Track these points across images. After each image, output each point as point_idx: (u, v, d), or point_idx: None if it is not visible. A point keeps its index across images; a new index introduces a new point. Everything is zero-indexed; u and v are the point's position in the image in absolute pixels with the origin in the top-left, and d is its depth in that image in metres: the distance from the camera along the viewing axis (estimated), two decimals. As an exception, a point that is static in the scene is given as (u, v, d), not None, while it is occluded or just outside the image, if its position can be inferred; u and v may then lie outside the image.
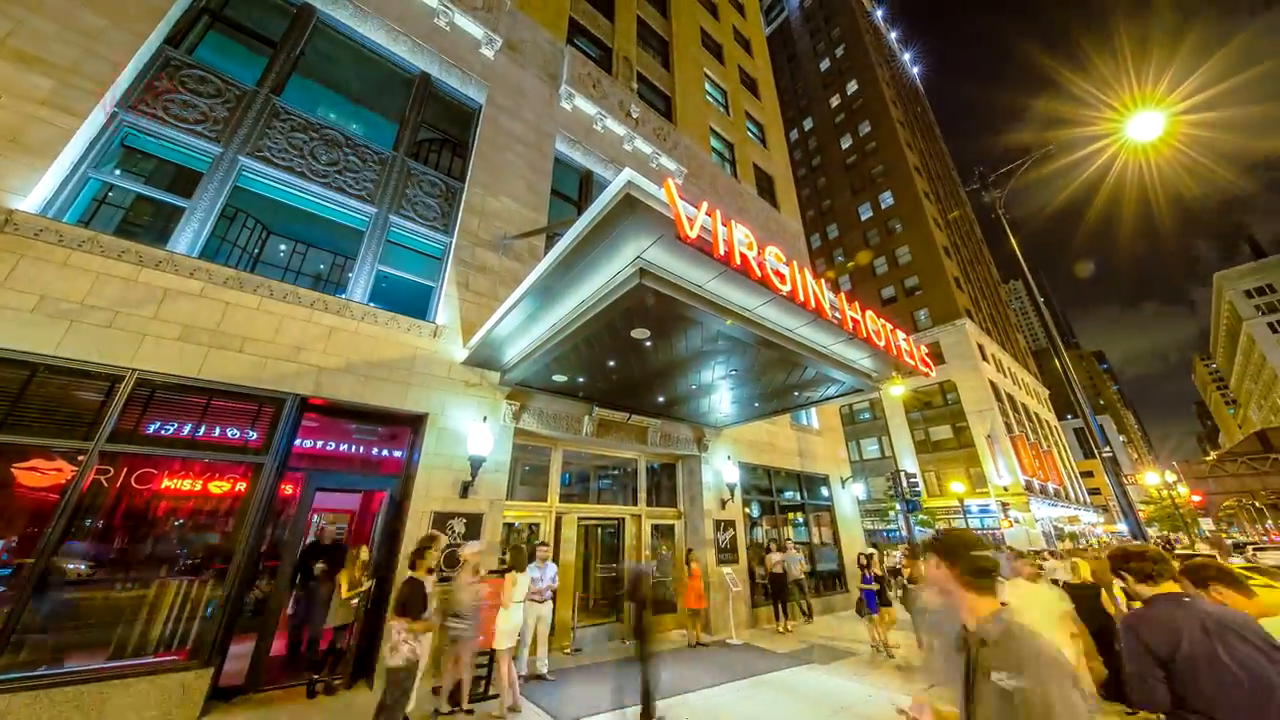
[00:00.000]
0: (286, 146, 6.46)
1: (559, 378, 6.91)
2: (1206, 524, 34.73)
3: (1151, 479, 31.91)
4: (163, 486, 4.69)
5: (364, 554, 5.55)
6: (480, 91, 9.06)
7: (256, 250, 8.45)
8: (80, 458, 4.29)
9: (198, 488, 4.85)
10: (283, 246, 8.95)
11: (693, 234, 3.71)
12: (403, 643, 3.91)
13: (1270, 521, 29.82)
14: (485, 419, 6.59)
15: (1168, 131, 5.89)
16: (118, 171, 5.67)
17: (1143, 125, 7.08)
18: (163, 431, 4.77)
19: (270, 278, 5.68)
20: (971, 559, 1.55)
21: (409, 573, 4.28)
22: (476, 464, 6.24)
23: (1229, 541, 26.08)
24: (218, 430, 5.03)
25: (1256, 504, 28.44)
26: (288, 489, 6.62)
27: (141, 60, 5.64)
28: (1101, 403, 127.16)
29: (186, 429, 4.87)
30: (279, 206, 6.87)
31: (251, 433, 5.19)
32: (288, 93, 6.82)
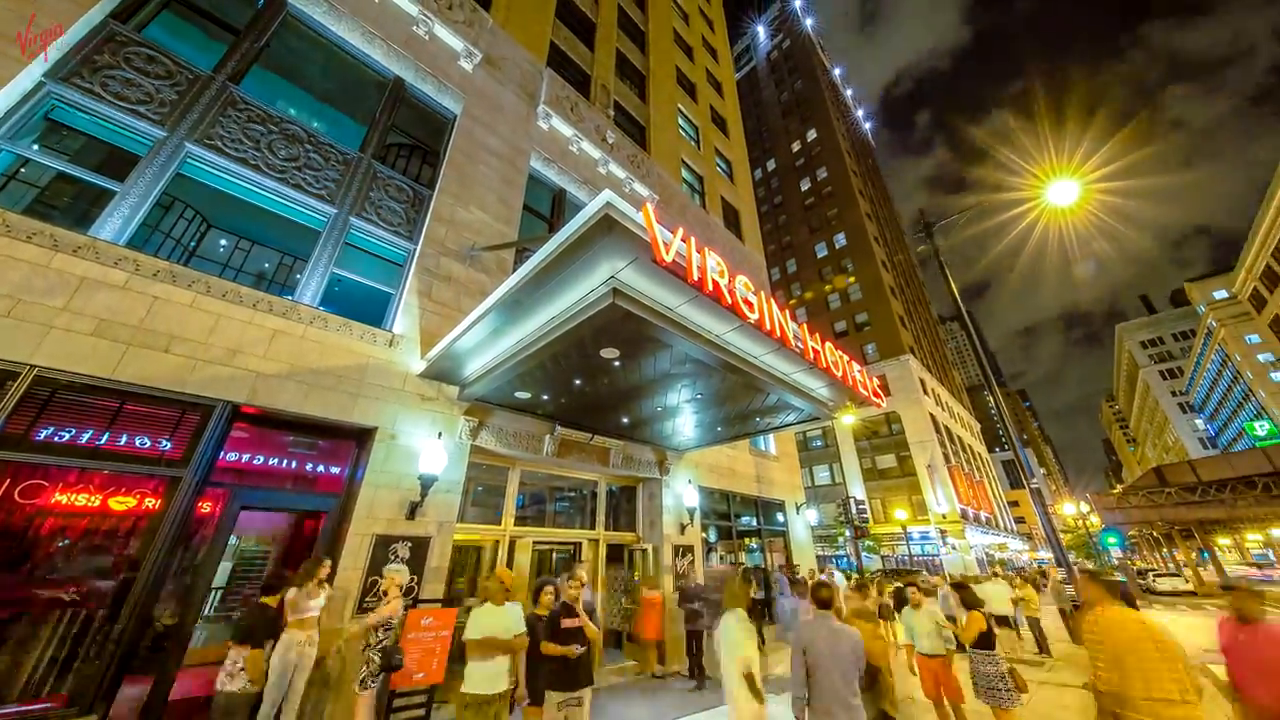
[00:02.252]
0: (241, 137, 6.08)
1: (522, 394, 6.71)
2: (1116, 552, 38.03)
3: (1069, 509, 34.76)
4: (53, 501, 4.08)
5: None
6: (456, 102, 8.99)
7: (194, 243, 7.78)
8: (-51, 466, 3.68)
9: (95, 503, 4.26)
10: (224, 241, 8.29)
11: (668, 258, 3.77)
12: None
13: (1166, 550, 33.02)
14: (440, 435, 6.27)
15: (1083, 198, 6.68)
16: (36, 146, 5.11)
17: (1061, 192, 8.03)
18: (58, 437, 4.18)
19: (209, 273, 5.23)
20: None
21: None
22: (428, 483, 5.87)
23: (1134, 568, 28.56)
24: (124, 438, 4.45)
25: (1154, 533, 31.49)
26: (205, 507, 5.95)
27: (80, 31, 5.19)
28: (1025, 438, 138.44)
29: (87, 435, 4.29)
30: (224, 198, 6.38)
31: (167, 442, 4.64)
32: (247, 83, 6.47)
